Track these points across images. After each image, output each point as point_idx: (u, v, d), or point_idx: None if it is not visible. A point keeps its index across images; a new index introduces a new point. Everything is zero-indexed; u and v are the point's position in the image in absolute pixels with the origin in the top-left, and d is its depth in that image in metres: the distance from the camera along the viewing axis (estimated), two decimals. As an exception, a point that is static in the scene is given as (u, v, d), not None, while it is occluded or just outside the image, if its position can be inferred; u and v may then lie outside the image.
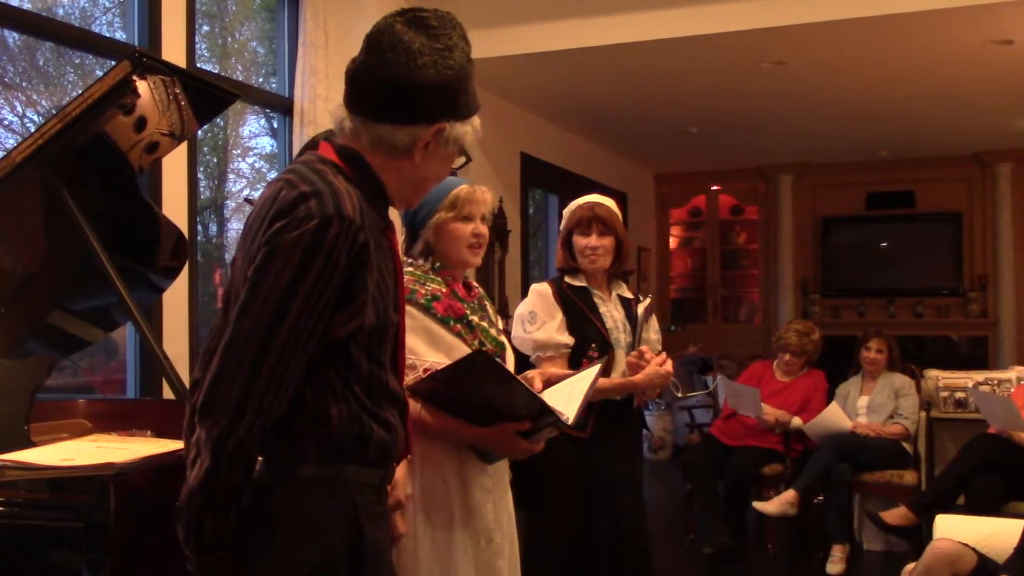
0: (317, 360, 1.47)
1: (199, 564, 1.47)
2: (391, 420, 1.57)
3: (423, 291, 2.24)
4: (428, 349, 2.20)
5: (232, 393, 1.40)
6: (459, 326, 2.28)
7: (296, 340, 1.42)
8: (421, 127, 1.53)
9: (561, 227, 3.15)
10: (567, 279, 3.07)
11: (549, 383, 2.43)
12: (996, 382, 5.46)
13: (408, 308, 2.07)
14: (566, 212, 3.14)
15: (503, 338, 2.42)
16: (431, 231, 2.33)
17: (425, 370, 2.16)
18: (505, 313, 6.34)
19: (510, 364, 2.42)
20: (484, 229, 2.37)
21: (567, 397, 2.30)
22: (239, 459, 1.41)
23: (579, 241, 3.03)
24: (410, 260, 2.35)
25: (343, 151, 1.57)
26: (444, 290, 2.30)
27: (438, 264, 2.34)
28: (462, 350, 2.20)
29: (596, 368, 2.43)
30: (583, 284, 3.05)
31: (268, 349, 1.40)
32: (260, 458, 1.49)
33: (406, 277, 2.19)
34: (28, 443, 2.24)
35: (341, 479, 1.50)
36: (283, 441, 1.47)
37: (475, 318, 2.33)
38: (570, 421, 2.15)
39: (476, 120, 1.61)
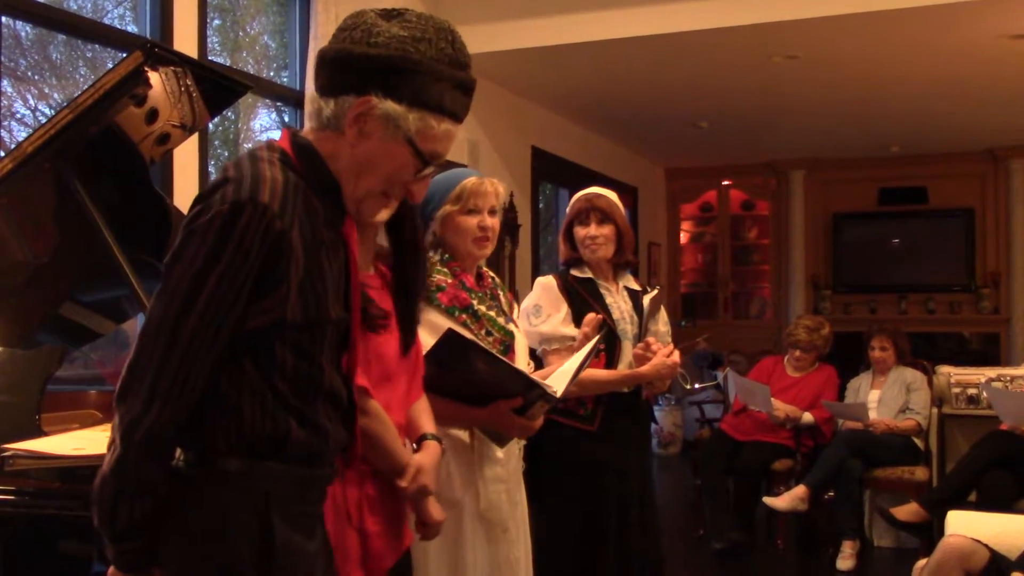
0: (235, 352, 1.41)
1: (115, 552, 1.43)
2: (321, 421, 1.49)
3: (427, 282, 2.24)
4: (433, 341, 2.19)
5: (144, 381, 1.36)
6: (464, 316, 2.28)
7: (206, 328, 1.36)
8: (350, 98, 1.46)
9: (563, 222, 3.16)
10: (573, 272, 3.07)
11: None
12: (1009, 378, 5.42)
13: None
14: (568, 208, 3.18)
15: (512, 327, 2.42)
16: (438, 223, 2.35)
17: None
18: (515, 307, 6.34)
19: (521, 354, 2.43)
20: (491, 222, 2.36)
21: (562, 374, 2.32)
22: (148, 449, 1.37)
23: (579, 232, 3.04)
24: None
25: (296, 140, 1.51)
26: (450, 280, 2.30)
27: (447, 256, 2.35)
28: None
29: (590, 344, 2.46)
30: (589, 276, 3.05)
31: (177, 336, 1.36)
32: (179, 448, 1.43)
33: None
34: (39, 433, 2.25)
35: (255, 475, 1.43)
36: (196, 432, 1.42)
37: (482, 308, 2.33)
38: (558, 394, 2.16)
39: (439, 122, 1.48)
